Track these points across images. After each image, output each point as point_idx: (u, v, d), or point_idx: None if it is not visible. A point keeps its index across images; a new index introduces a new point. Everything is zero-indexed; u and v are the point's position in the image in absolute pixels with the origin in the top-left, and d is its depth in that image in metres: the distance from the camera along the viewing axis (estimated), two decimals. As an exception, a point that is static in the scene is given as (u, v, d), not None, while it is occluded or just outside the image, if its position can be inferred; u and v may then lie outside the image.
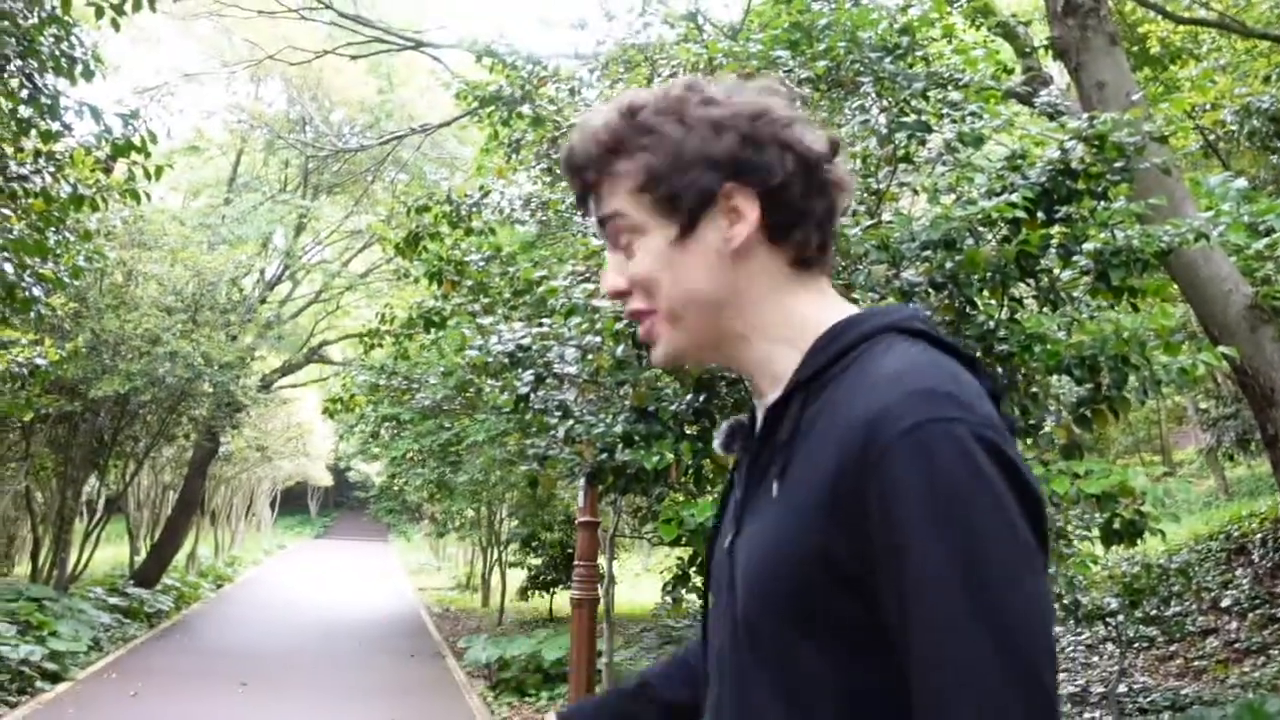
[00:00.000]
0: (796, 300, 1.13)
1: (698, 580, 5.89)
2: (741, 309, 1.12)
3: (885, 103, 4.43)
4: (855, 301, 3.81)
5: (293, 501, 42.18)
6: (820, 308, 1.13)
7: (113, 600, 12.85)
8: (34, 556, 13.17)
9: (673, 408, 4.33)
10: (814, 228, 1.13)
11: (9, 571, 14.86)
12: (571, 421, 4.82)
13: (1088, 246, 3.99)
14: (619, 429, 4.42)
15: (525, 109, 6.89)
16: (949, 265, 3.96)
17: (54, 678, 9.02)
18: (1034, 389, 4.19)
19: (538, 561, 14.04)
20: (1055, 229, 4.07)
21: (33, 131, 5.72)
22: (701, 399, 4.20)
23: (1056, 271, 4.24)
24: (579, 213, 1.24)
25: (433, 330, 7.16)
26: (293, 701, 8.84)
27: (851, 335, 1.08)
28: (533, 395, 4.89)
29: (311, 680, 10.05)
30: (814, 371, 1.07)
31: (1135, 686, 7.54)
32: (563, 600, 12.84)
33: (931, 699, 0.91)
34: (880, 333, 1.07)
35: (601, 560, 8.35)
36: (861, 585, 0.97)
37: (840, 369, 1.06)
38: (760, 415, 1.16)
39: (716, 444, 1.23)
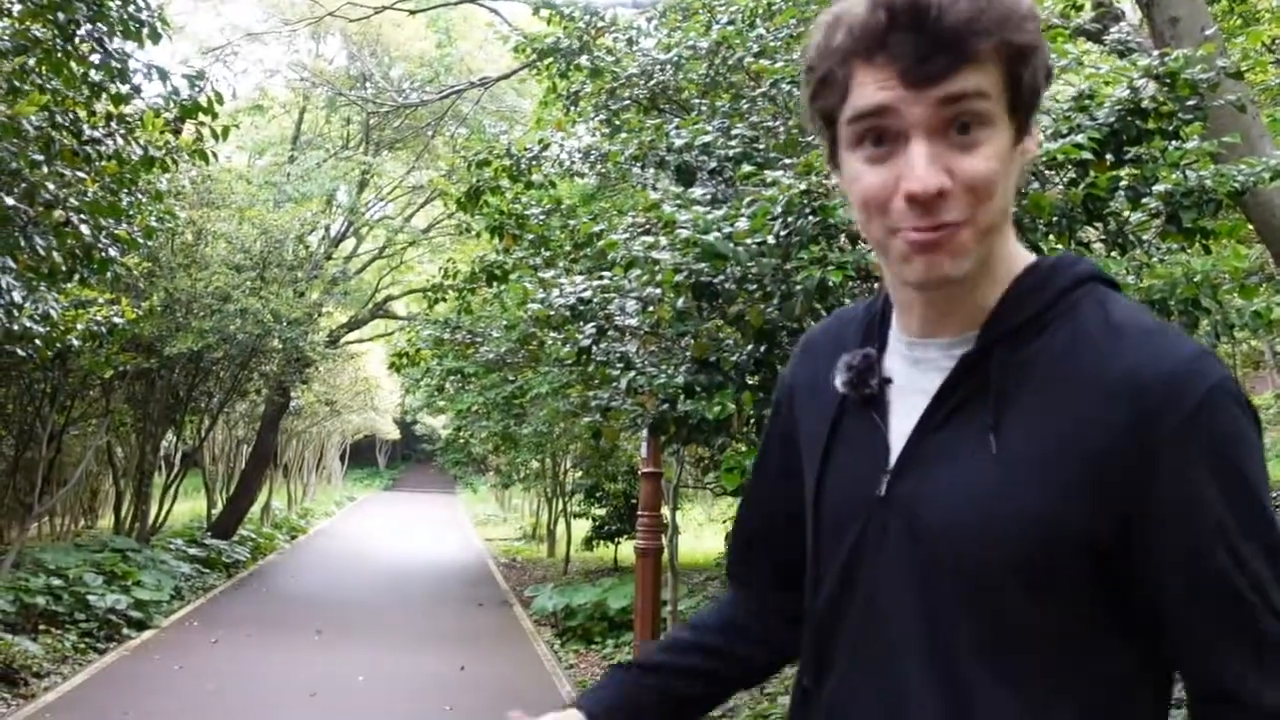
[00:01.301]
0: (1012, 233, 1.07)
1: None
2: (1005, 231, 1.04)
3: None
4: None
5: (361, 455, 43.05)
6: (1020, 248, 1.08)
7: (192, 551, 13.29)
8: (116, 510, 13.66)
9: (734, 358, 4.33)
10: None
11: (94, 524, 15.43)
12: (633, 373, 4.85)
13: (1158, 188, 3.89)
14: (680, 380, 4.45)
15: (583, 60, 6.87)
16: (1014, 210, 3.90)
17: (139, 625, 9.38)
18: (1102, 335, 4.13)
19: (602, 512, 14.21)
20: (1124, 170, 3.97)
21: (103, 95, 5.84)
22: (763, 349, 4.20)
23: (1125, 214, 4.15)
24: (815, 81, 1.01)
25: (495, 284, 7.23)
26: (366, 648, 9.11)
27: (1063, 280, 1.04)
28: (594, 347, 4.93)
29: (383, 628, 10.33)
30: (1024, 320, 1.03)
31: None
32: (627, 550, 13.00)
33: (1242, 630, 0.94)
34: (1087, 281, 1.05)
35: (665, 510, 8.43)
36: (1109, 547, 0.97)
37: (1056, 315, 1.03)
38: (909, 356, 1.11)
39: (842, 382, 1.14)
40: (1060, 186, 4.03)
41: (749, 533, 1.37)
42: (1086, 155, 3.75)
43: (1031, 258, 1.08)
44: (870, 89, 0.97)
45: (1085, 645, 1.00)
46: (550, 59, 7.10)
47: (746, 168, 4.36)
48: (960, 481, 1.02)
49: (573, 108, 7.15)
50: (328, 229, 19.09)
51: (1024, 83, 0.98)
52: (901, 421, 1.09)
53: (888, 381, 1.12)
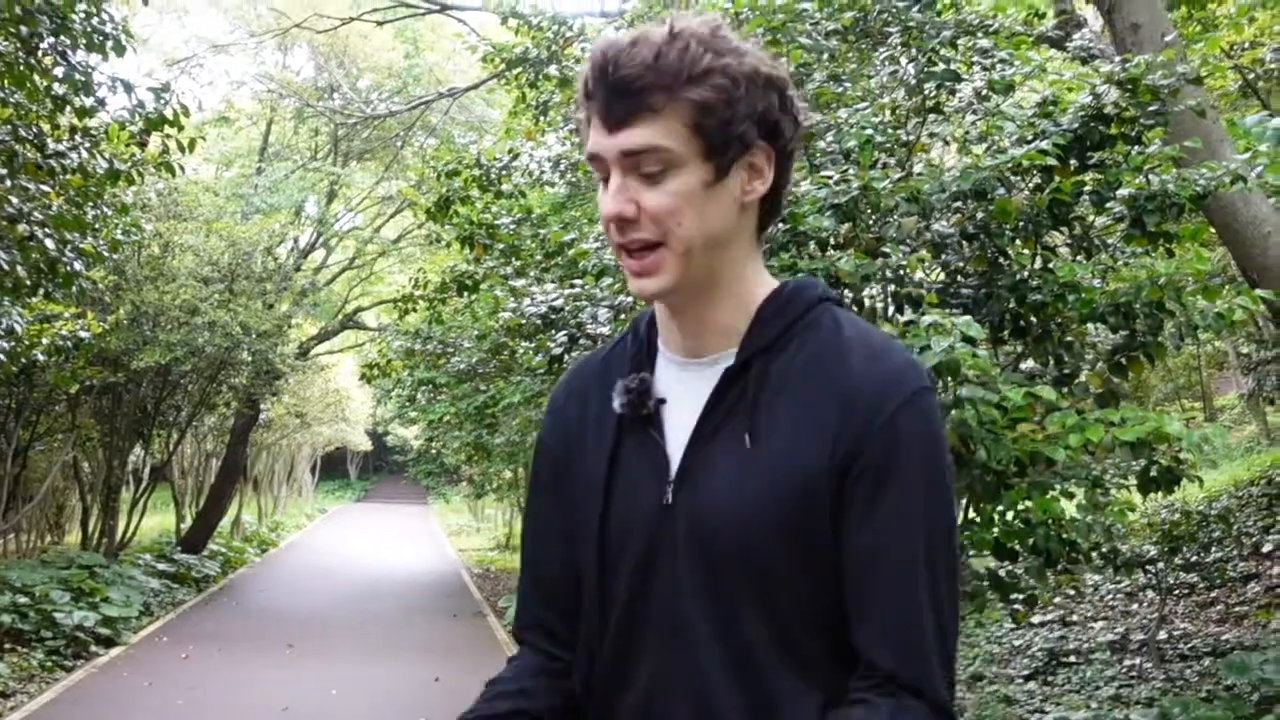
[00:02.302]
0: (757, 262, 1.23)
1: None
2: (732, 260, 1.19)
3: (913, 52, 4.38)
4: (886, 255, 3.81)
5: (333, 466, 42.72)
6: (763, 273, 1.24)
7: (161, 566, 13.14)
8: (83, 525, 13.48)
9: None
10: (779, 200, 1.22)
11: (60, 540, 15.21)
12: (605, 381, 4.85)
13: (1122, 192, 3.95)
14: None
15: (552, 70, 6.88)
16: (980, 216, 3.94)
17: (107, 642, 9.27)
18: (1068, 338, 4.17)
19: (575, 521, 14.16)
20: (1088, 175, 4.03)
21: (68, 108, 5.79)
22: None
23: (1090, 219, 4.20)
24: (578, 124, 1.24)
25: (466, 294, 7.22)
26: (339, 662, 9.04)
27: (799, 304, 1.21)
28: (566, 356, 4.93)
29: (357, 640, 10.26)
30: (775, 335, 1.19)
31: (1175, 633, 7.53)
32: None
33: (898, 602, 1.11)
34: (821, 302, 1.22)
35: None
36: (835, 518, 1.13)
37: (797, 332, 1.19)
38: (678, 376, 1.23)
39: (621, 404, 1.24)
40: (1025, 192, 4.08)
41: (545, 588, 1.36)
42: (1051, 161, 3.80)
43: (774, 284, 1.24)
44: (590, 133, 1.16)
45: (837, 631, 1.14)
46: (519, 69, 7.10)
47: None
48: (727, 479, 1.16)
49: (542, 117, 7.16)
50: (296, 240, 18.96)
51: (710, 131, 1.12)
52: (677, 435, 1.21)
53: (661, 401, 1.23)
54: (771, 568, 1.13)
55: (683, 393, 1.22)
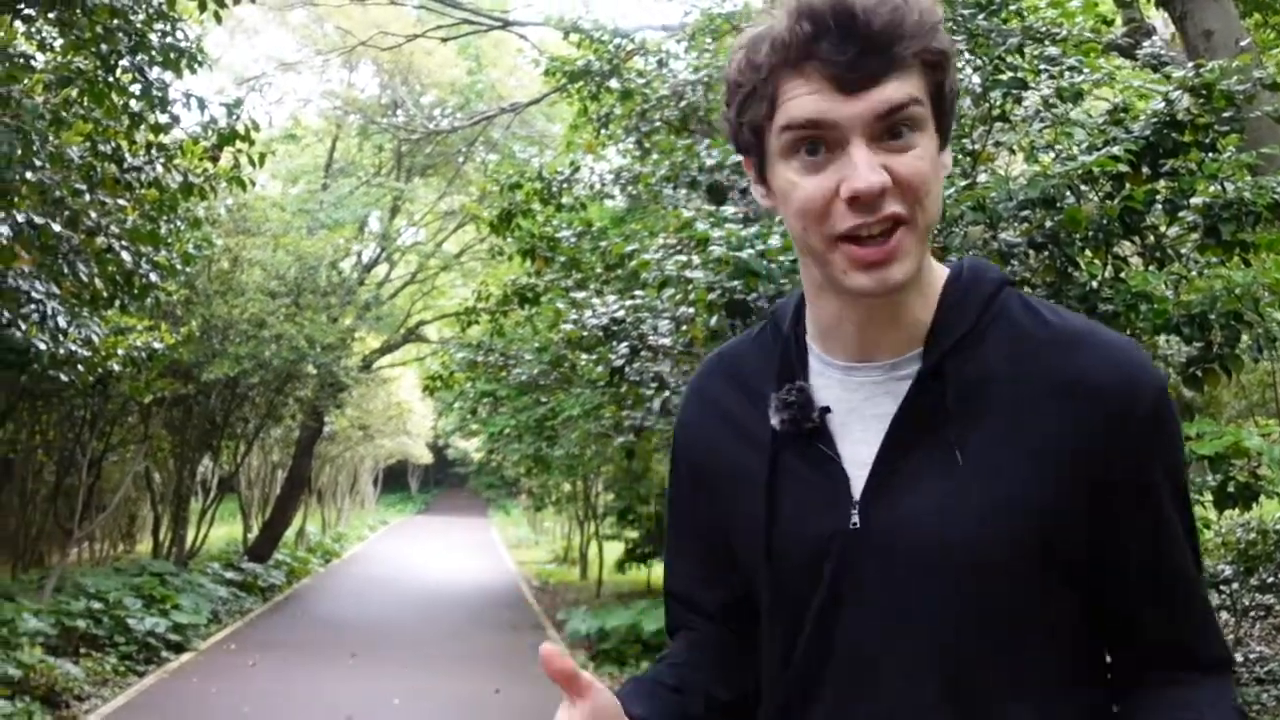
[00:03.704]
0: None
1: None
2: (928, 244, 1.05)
3: (979, 61, 4.34)
4: (952, 264, 3.77)
5: (394, 479, 43.22)
6: (930, 256, 1.09)
7: (229, 575, 13.37)
8: (154, 534, 13.79)
9: (768, 376, 4.33)
10: None
11: (132, 549, 15.57)
12: (667, 393, 4.85)
13: (1195, 201, 3.86)
14: (714, 398, 4.44)
15: (613, 83, 6.92)
16: (1049, 224, 3.87)
17: (178, 648, 9.45)
18: (1141, 349, 4.08)
19: (635, 534, 14.17)
20: (1161, 183, 3.94)
21: (144, 124, 5.95)
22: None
23: (1163, 228, 4.11)
24: (846, 68, 0.96)
25: (527, 306, 7.28)
26: (400, 671, 9.12)
27: (983, 290, 1.07)
28: (627, 367, 4.94)
29: (418, 651, 10.34)
30: (965, 330, 1.05)
31: (1251, 656, 7.31)
32: (660, 572, 12.94)
33: (1185, 605, 1.08)
34: (1005, 286, 1.09)
35: (698, 531, 8.40)
36: (1086, 532, 1.04)
37: (987, 323, 1.05)
38: (843, 382, 1.09)
39: (777, 420, 1.10)
40: (1096, 200, 4.01)
41: (688, 584, 1.27)
42: (1122, 168, 3.73)
43: (944, 269, 1.10)
44: (804, 98, 0.98)
45: (1080, 645, 1.08)
46: (580, 82, 7.16)
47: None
48: (939, 500, 1.02)
49: (603, 130, 7.21)
50: (360, 255, 19.27)
51: (945, 89, 1.01)
52: (853, 450, 1.07)
53: (826, 410, 1.09)
54: (1006, 589, 1.02)
55: (853, 400, 1.08)
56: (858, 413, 1.08)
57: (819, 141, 0.98)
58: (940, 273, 1.09)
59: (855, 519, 1.05)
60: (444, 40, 14.83)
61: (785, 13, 0.98)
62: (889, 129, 0.98)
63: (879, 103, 0.96)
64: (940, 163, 1.02)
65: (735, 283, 3.88)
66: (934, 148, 1.01)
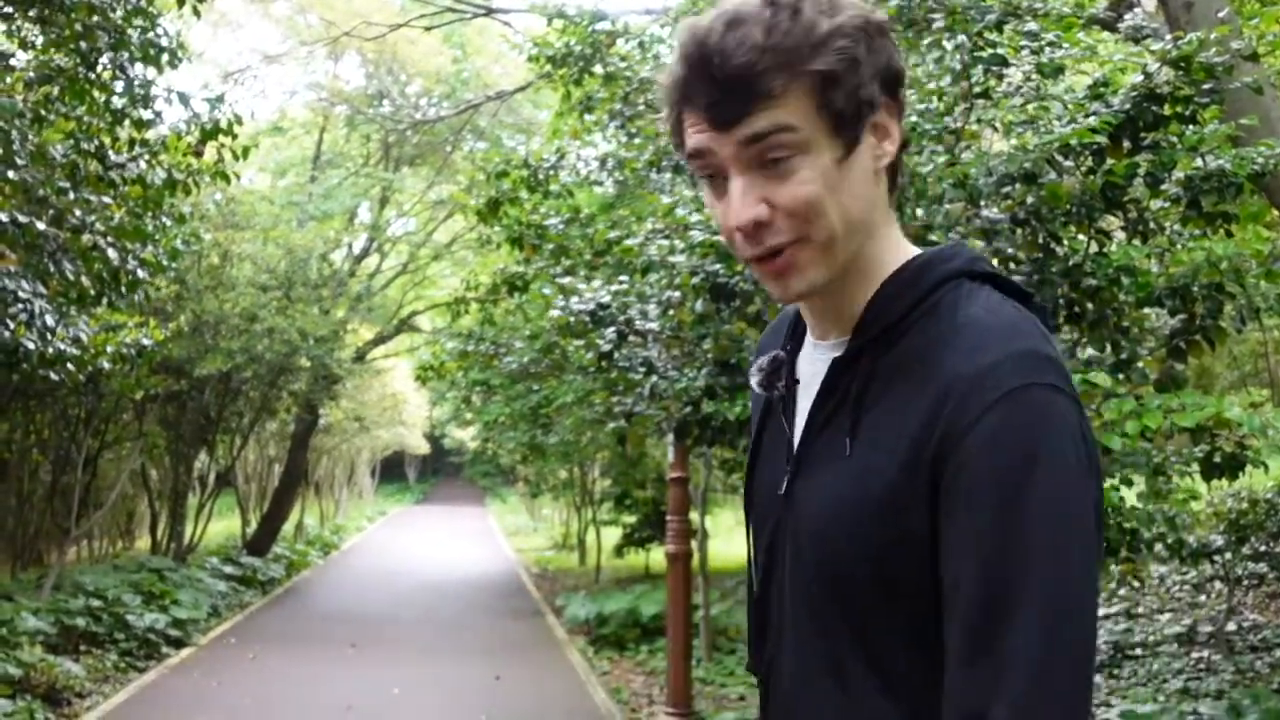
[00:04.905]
0: (892, 231, 1.09)
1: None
2: (873, 236, 1.06)
3: (959, 38, 4.34)
4: (934, 243, 3.78)
5: (391, 470, 43.27)
6: (900, 243, 1.10)
7: (228, 569, 13.40)
8: (152, 530, 13.81)
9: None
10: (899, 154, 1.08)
11: (131, 545, 15.59)
12: (655, 377, 4.87)
13: (1177, 174, 3.87)
14: (702, 382, 4.46)
15: (596, 68, 6.90)
16: (1030, 200, 3.89)
17: (178, 644, 9.48)
18: (1125, 323, 4.10)
19: (631, 519, 14.21)
20: (1142, 157, 3.95)
21: (126, 121, 5.93)
22: (783, 348, 4.20)
23: (1145, 201, 4.12)
24: (665, 123, 1.07)
25: (516, 294, 7.28)
26: (401, 661, 9.16)
27: (926, 282, 1.05)
28: (616, 352, 4.95)
29: (418, 640, 10.38)
30: (890, 322, 1.05)
31: (1245, 625, 7.37)
32: (658, 556, 12.99)
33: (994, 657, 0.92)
34: (952, 278, 1.05)
35: (694, 515, 8.43)
36: (921, 535, 0.98)
37: (917, 318, 1.04)
38: (811, 357, 1.14)
39: (756, 383, 1.18)
40: (1077, 175, 4.02)
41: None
42: (1101, 140, 3.74)
43: (910, 255, 1.09)
44: (693, 133, 1.02)
45: (936, 650, 0.99)
46: (564, 68, 7.14)
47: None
48: (821, 484, 1.06)
49: (587, 115, 7.19)
50: (350, 247, 19.23)
51: (837, 104, 0.99)
52: (801, 421, 1.13)
53: (796, 382, 1.16)
54: (856, 586, 1.02)
55: (812, 376, 1.13)
56: (811, 388, 1.12)
57: (713, 172, 1.03)
58: (900, 259, 1.09)
59: (783, 485, 1.12)
60: (428, 29, 14.77)
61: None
62: (763, 159, 1.00)
63: (744, 136, 0.99)
64: (844, 174, 1.01)
65: (718, 266, 3.89)
66: (827, 163, 1.00)
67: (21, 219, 5.15)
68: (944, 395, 0.96)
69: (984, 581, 0.92)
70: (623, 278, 5.01)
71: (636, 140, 5.83)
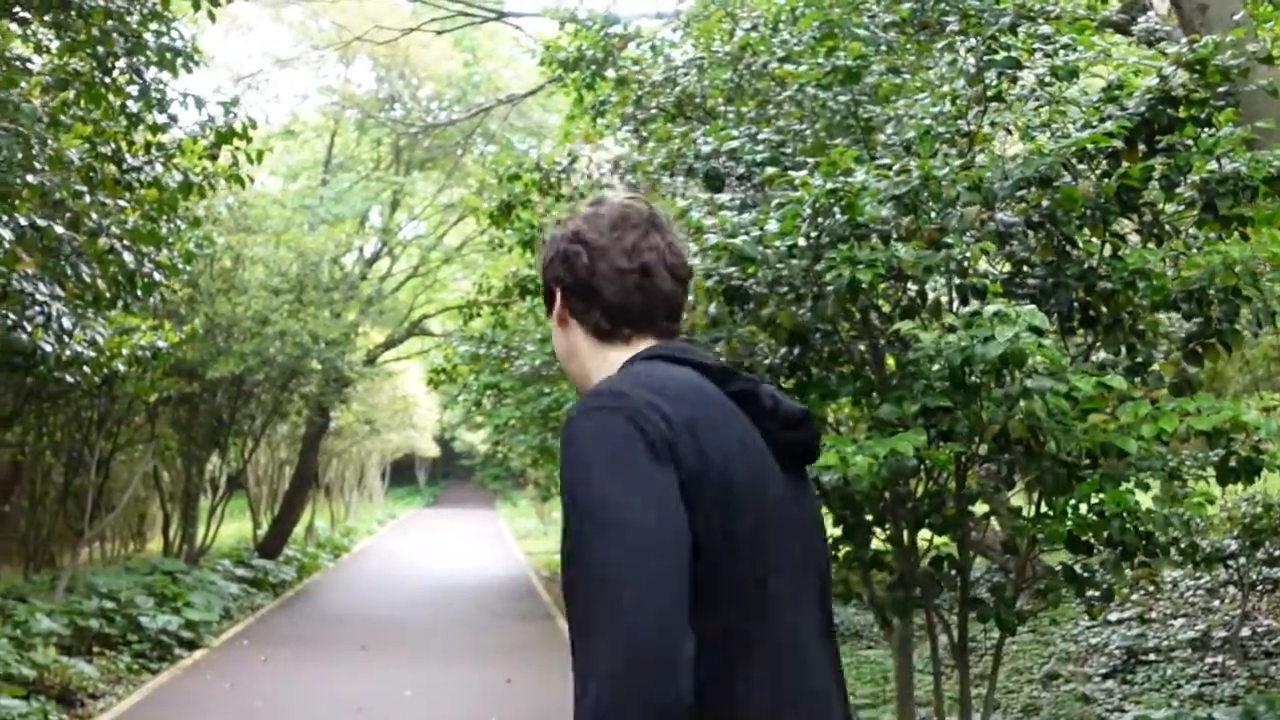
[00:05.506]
0: (608, 351, 1.59)
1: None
2: (580, 360, 1.61)
3: (972, 41, 4.33)
4: (949, 246, 3.77)
5: (402, 473, 43.30)
6: (628, 352, 1.55)
7: (239, 572, 13.44)
8: (164, 532, 13.85)
9: (767, 362, 4.34)
10: (600, 312, 1.55)
11: (143, 547, 15.65)
12: (669, 380, 4.85)
13: (1192, 177, 3.85)
14: (716, 385, 4.44)
15: (609, 72, 6.91)
16: (1045, 204, 3.88)
17: (190, 645, 9.51)
18: (1140, 326, 4.09)
19: (642, 522, 14.17)
20: (1157, 160, 3.94)
21: (142, 124, 5.96)
22: (796, 352, 4.20)
23: (1160, 205, 4.11)
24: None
25: (528, 298, 7.28)
26: (412, 663, 9.17)
27: (626, 363, 1.52)
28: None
29: (429, 642, 10.39)
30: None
31: (1259, 630, 7.33)
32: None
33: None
34: (648, 359, 1.51)
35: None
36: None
37: None
38: None
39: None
40: (1092, 179, 4.01)
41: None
42: (1117, 144, 3.73)
43: (615, 365, 1.57)
44: None
45: None
46: (575, 71, 7.15)
47: (771, 170, 4.37)
48: None
49: (599, 119, 7.20)
50: (362, 250, 19.27)
51: (548, 291, 1.64)
52: None
53: None
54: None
55: None
56: None
57: None
58: (609, 369, 1.56)
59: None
60: (439, 33, 14.80)
61: None
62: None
63: None
64: (556, 332, 1.64)
65: (732, 269, 3.88)
66: (551, 325, 1.66)
67: (39, 222, 5.18)
68: None
69: (570, 561, 1.39)
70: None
71: (650, 144, 5.82)
